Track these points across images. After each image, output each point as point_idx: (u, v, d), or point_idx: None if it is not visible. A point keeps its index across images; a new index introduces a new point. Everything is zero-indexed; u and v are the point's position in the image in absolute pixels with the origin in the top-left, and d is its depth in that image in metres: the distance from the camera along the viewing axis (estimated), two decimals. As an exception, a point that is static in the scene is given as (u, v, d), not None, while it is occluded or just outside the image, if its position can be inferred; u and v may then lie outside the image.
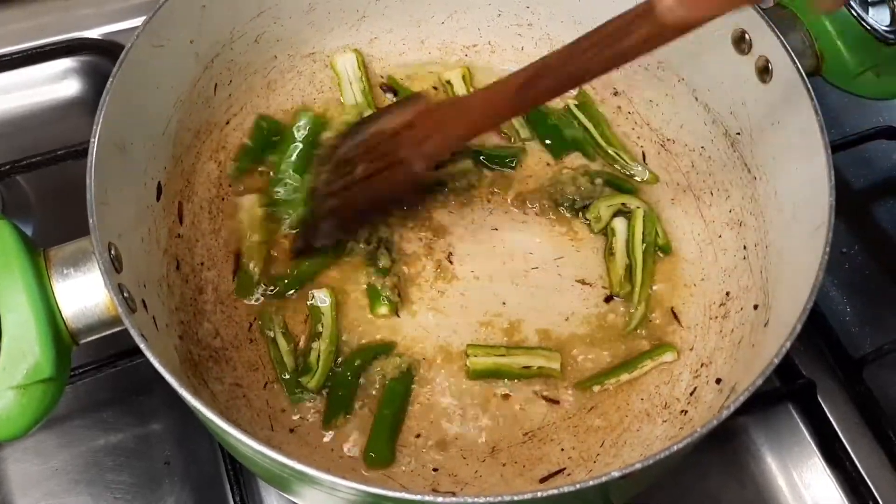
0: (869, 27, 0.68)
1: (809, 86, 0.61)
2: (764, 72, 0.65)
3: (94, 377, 0.70)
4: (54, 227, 0.80)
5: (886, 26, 0.68)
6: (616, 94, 0.81)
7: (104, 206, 0.55)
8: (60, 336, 0.53)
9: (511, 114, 0.64)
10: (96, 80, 0.89)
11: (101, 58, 0.89)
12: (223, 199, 0.75)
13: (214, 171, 0.75)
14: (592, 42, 0.56)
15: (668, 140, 0.79)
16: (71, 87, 0.90)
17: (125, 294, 0.54)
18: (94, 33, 0.90)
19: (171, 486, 0.69)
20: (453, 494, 0.48)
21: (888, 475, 0.71)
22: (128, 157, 0.61)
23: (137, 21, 0.63)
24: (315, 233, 0.70)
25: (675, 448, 0.47)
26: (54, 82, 0.89)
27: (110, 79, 0.58)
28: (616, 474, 0.46)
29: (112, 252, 0.54)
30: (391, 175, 0.66)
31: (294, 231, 0.72)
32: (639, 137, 0.80)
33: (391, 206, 0.72)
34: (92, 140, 0.56)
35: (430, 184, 0.74)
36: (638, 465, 0.46)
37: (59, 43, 0.88)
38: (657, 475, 0.59)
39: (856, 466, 0.70)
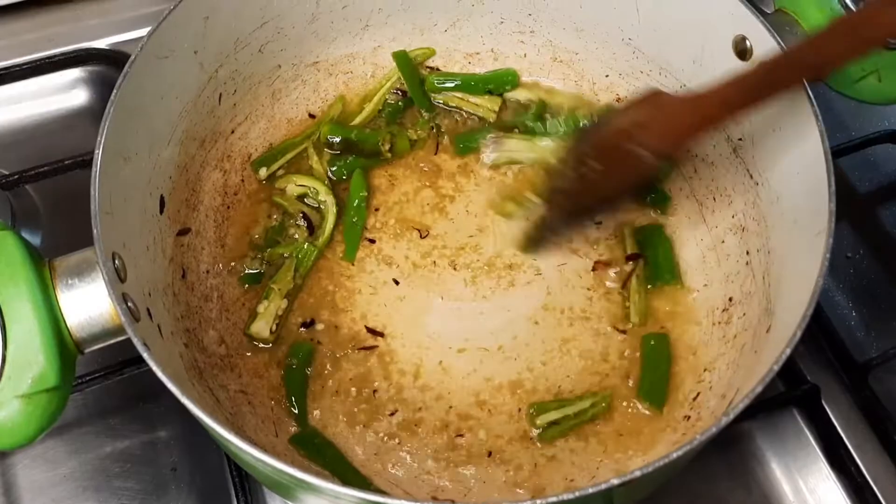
0: (870, 32, 0.67)
1: (810, 91, 0.61)
2: (765, 77, 0.65)
3: (102, 384, 0.71)
4: (63, 235, 0.81)
5: (887, 31, 0.68)
6: (619, 100, 0.81)
7: (108, 215, 0.56)
8: (65, 345, 0.53)
9: (746, 106, 0.62)
10: (104, 90, 0.89)
11: (109, 67, 0.90)
12: (228, 207, 0.76)
13: (220, 179, 0.76)
14: (833, 33, 0.57)
15: (671, 145, 0.79)
16: (79, 97, 0.91)
17: (129, 303, 0.54)
18: (101, 43, 0.91)
19: (178, 493, 0.69)
20: (452, 502, 0.48)
21: (893, 480, 0.70)
22: (132, 168, 0.62)
23: (145, 31, 0.63)
24: (550, 226, 0.72)
25: (675, 456, 0.47)
26: (63, 92, 0.90)
27: (114, 90, 0.59)
28: (615, 482, 0.46)
29: (116, 262, 0.55)
30: (623, 170, 0.66)
31: (532, 224, 0.74)
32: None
33: (619, 199, 0.72)
34: (96, 151, 0.56)
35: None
36: (637, 473, 0.46)
37: (68, 53, 0.89)
38: (660, 481, 0.59)
39: (861, 471, 0.70)
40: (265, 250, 0.74)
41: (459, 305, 0.72)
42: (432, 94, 0.82)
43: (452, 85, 0.82)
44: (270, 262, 0.73)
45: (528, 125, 0.81)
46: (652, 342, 0.70)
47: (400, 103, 0.82)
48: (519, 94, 0.82)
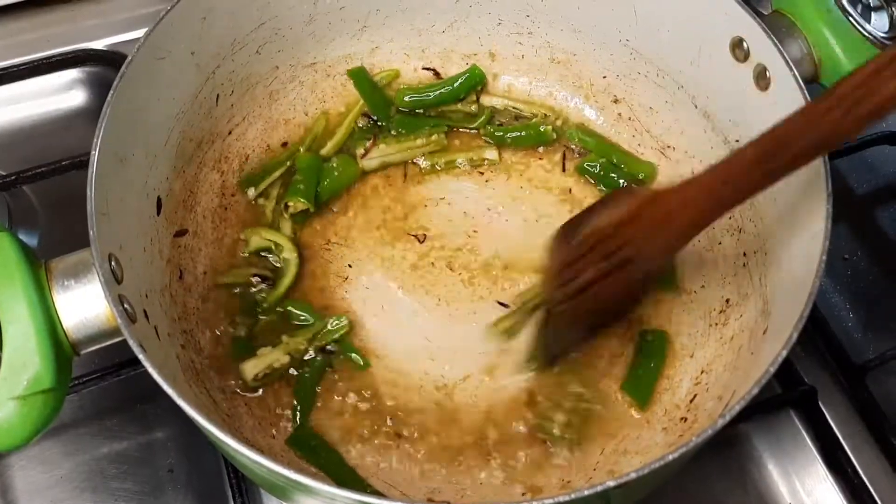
0: (867, 34, 0.67)
1: (807, 93, 0.61)
2: (762, 79, 0.65)
3: (99, 386, 0.70)
4: (60, 236, 0.81)
5: (885, 33, 0.67)
6: (616, 101, 0.81)
7: (105, 217, 0.55)
8: (61, 347, 0.53)
9: (748, 193, 0.56)
10: (102, 91, 0.89)
11: (106, 68, 0.90)
12: (226, 208, 0.76)
13: (217, 180, 0.76)
14: (834, 103, 0.51)
15: (669, 147, 0.79)
16: (77, 98, 0.90)
17: (125, 305, 0.54)
18: (99, 44, 0.91)
19: (175, 494, 0.69)
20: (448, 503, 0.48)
21: (891, 482, 0.70)
22: (129, 169, 0.62)
23: (142, 32, 0.63)
24: (557, 343, 0.68)
25: (671, 458, 0.47)
26: (60, 93, 0.90)
27: (111, 91, 0.59)
28: (611, 483, 0.46)
29: (112, 263, 0.55)
30: (623, 276, 0.60)
31: (534, 347, 0.69)
32: (639, 145, 0.80)
33: (628, 305, 0.67)
34: (93, 152, 0.56)
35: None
36: (633, 475, 0.46)
37: (66, 54, 0.89)
38: (656, 483, 0.59)
39: (858, 473, 0.70)
40: (248, 318, 0.70)
41: (458, 307, 0.72)
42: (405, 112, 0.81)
43: (428, 98, 0.81)
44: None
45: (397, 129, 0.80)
46: (649, 338, 0.70)
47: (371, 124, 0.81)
48: (495, 101, 0.82)
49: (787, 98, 0.63)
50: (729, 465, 0.72)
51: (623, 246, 0.59)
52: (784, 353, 0.51)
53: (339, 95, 0.82)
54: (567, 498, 0.46)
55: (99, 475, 0.70)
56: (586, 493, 0.46)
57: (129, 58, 0.61)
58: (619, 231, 0.59)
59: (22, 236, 0.75)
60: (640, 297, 0.66)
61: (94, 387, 0.70)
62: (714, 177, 0.57)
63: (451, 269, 0.74)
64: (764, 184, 0.56)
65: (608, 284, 0.60)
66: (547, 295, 0.65)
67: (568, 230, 0.63)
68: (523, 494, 0.64)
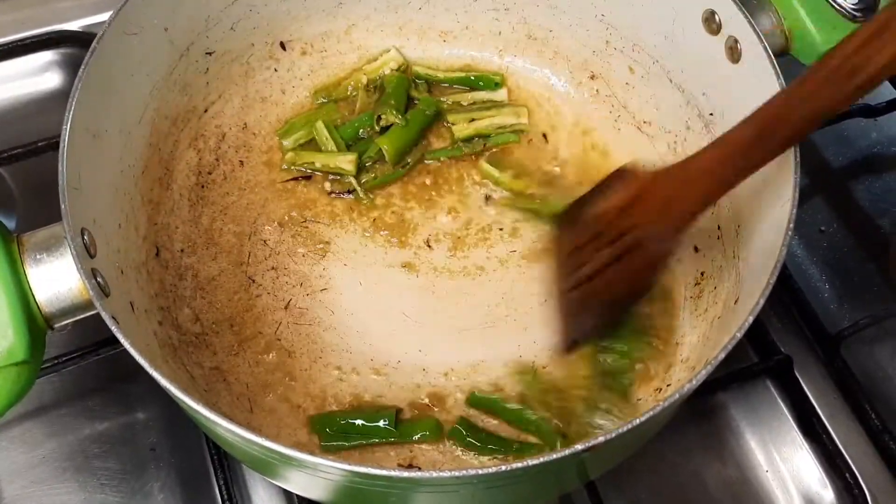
0: (836, 5, 0.68)
1: (776, 65, 0.61)
2: (733, 52, 0.65)
3: (79, 365, 0.71)
4: (37, 218, 0.79)
5: (853, 4, 0.68)
6: (593, 77, 0.81)
7: (77, 191, 0.55)
8: (34, 320, 0.53)
9: (748, 172, 0.56)
10: (77, 72, 0.89)
11: (81, 50, 0.88)
12: (203, 186, 0.76)
13: (193, 158, 0.76)
14: (828, 75, 0.51)
15: (646, 122, 0.79)
16: (52, 80, 0.90)
17: (98, 279, 0.54)
18: (74, 25, 0.91)
19: (157, 472, 0.69)
20: (418, 468, 0.49)
21: (865, 449, 0.71)
22: (102, 144, 0.62)
23: (117, 12, 0.63)
24: (578, 329, 0.66)
25: (637, 422, 0.47)
26: (35, 75, 0.90)
27: (82, 66, 0.59)
28: (579, 447, 0.47)
29: (84, 237, 0.55)
30: (631, 261, 0.59)
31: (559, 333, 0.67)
32: (616, 120, 0.81)
33: (639, 292, 0.65)
34: (64, 126, 0.56)
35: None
36: (601, 439, 0.47)
37: (40, 36, 0.89)
38: (628, 448, 0.60)
39: (833, 441, 0.71)
40: None
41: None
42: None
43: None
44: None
45: None
46: None
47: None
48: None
49: (757, 70, 0.63)
50: (707, 435, 0.72)
51: (628, 230, 0.58)
52: (751, 318, 0.51)
53: (315, 73, 0.82)
54: (537, 461, 0.46)
55: (81, 455, 0.70)
56: (555, 456, 0.46)
57: (100, 33, 0.61)
58: (623, 214, 0.59)
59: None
60: (651, 284, 0.64)
61: (74, 366, 0.70)
62: (713, 156, 0.57)
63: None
64: (764, 161, 0.55)
65: (617, 271, 0.60)
66: (560, 283, 0.64)
67: (570, 215, 0.63)
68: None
